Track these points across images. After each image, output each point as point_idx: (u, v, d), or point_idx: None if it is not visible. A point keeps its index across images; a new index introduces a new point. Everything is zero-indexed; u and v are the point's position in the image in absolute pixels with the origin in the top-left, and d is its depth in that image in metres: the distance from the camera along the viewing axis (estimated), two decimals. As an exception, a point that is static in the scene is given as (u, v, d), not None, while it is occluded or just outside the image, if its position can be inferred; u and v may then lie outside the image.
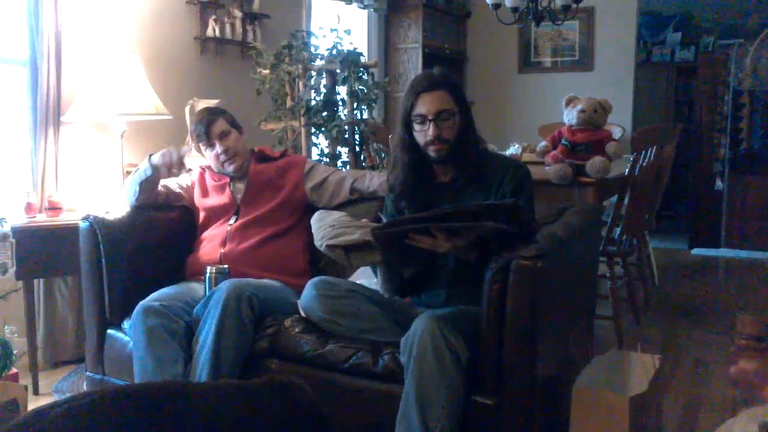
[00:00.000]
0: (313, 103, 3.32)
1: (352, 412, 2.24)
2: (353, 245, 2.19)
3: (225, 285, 2.37)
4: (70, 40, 3.46)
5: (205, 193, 2.89)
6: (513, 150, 3.96)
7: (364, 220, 2.40)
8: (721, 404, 2.88)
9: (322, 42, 3.43)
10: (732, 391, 2.29)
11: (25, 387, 2.54)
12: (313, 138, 3.40)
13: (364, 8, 5.91)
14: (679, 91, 8.16)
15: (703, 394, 3.04)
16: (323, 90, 3.37)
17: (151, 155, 2.71)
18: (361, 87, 3.27)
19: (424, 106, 2.28)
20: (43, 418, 1.29)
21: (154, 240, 2.80)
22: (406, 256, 2.30)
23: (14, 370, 2.72)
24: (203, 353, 2.29)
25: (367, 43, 6.26)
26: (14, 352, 2.69)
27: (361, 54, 3.33)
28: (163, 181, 2.93)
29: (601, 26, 6.50)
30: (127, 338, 2.56)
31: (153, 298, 2.46)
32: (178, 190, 2.93)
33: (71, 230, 2.69)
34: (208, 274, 2.49)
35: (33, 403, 2.75)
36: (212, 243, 2.77)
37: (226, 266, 2.54)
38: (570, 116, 3.59)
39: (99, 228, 2.66)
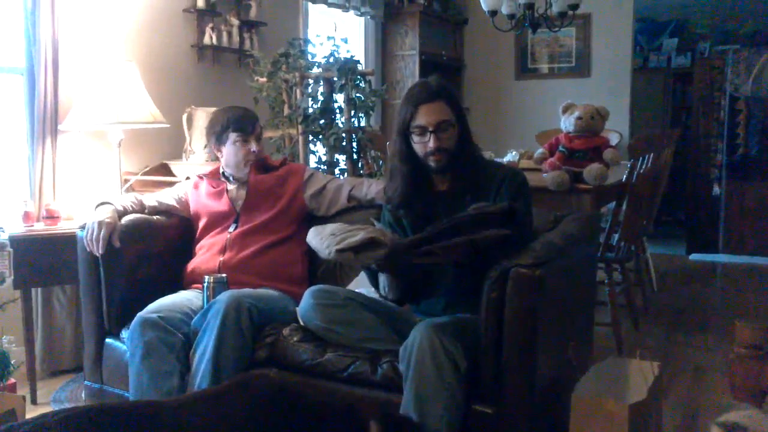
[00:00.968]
0: (310, 111, 3.32)
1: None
2: (360, 245, 2.19)
3: (224, 296, 2.36)
4: (67, 48, 3.46)
5: (201, 200, 2.89)
6: (510, 157, 3.96)
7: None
8: (720, 411, 2.87)
9: (319, 50, 3.43)
10: (731, 398, 2.29)
11: (23, 397, 2.53)
12: (311, 146, 3.40)
13: (360, 16, 5.92)
14: (676, 97, 8.18)
15: (702, 401, 3.04)
16: (320, 98, 3.37)
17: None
18: (358, 95, 3.27)
19: (424, 117, 2.28)
20: None
21: (152, 248, 2.79)
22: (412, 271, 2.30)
23: (12, 380, 2.72)
24: (202, 365, 2.29)
25: (364, 51, 6.27)
26: (12, 362, 2.69)
27: (358, 62, 3.33)
28: (156, 195, 2.93)
29: (598, 33, 6.52)
30: (125, 347, 2.54)
31: (151, 309, 2.45)
32: (172, 203, 2.92)
33: (69, 239, 2.68)
34: (206, 284, 2.49)
35: (31, 413, 2.74)
36: (211, 251, 2.76)
37: (224, 275, 2.53)
38: (567, 123, 3.59)
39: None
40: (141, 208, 2.86)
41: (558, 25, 4.87)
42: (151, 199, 2.91)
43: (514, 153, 4.02)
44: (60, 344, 3.48)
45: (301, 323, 2.46)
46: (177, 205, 2.92)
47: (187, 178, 3.33)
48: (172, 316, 2.43)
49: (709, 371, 3.39)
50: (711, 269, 5.93)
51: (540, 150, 3.76)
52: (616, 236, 3.73)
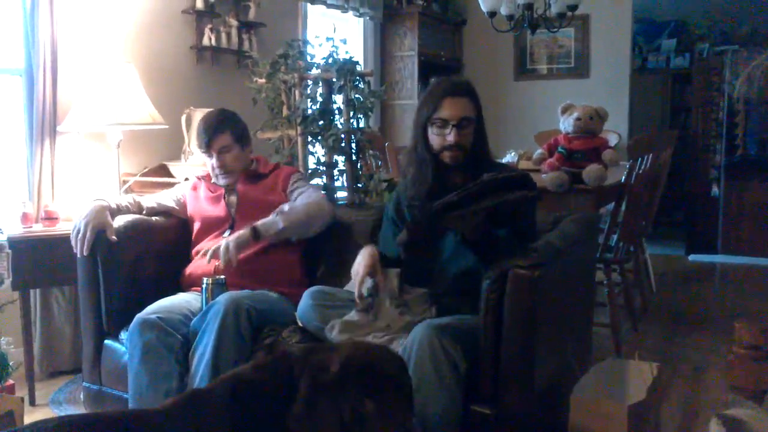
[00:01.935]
0: (309, 112, 3.31)
1: (350, 422, 2.23)
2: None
3: (223, 298, 2.36)
4: (66, 49, 3.46)
5: (199, 203, 2.89)
6: (509, 157, 3.96)
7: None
8: (720, 410, 2.87)
9: (318, 51, 3.43)
10: (730, 399, 2.29)
11: (22, 399, 2.53)
12: (310, 147, 3.39)
13: (359, 17, 5.92)
14: (675, 98, 8.18)
15: (702, 401, 3.04)
16: (319, 99, 3.36)
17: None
18: (357, 96, 3.26)
19: (448, 110, 2.30)
20: None
21: (151, 250, 2.80)
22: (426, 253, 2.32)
23: (10, 381, 2.72)
24: (201, 367, 2.28)
25: (363, 52, 6.27)
26: (11, 363, 2.69)
27: (357, 63, 3.32)
28: (155, 197, 2.93)
29: (597, 33, 6.52)
30: (124, 349, 2.54)
31: (150, 311, 2.45)
32: (170, 204, 2.92)
33: (68, 240, 2.67)
34: (204, 285, 2.49)
35: (29, 415, 2.74)
36: (206, 256, 2.76)
37: (222, 276, 2.53)
38: (566, 124, 3.60)
39: (96, 238, 2.65)
40: (139, 209, 2.86)
41: (557, 25, 4.88)
42: (150, 200, 2.92)
43: (513, 154, 4.02)
44: (59, 345, 3.47)
45: (300, 324, 2.46)
46: (176, 207, 2.92)
47: (186, 179, 3.32)
48: (171, 318, 2.43)
49: (708, 371, 3.39)
50: (710, 270, 5.93)
51: (539, 151, 3.76)
52: (615, 237, 3.73)
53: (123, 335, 2.56)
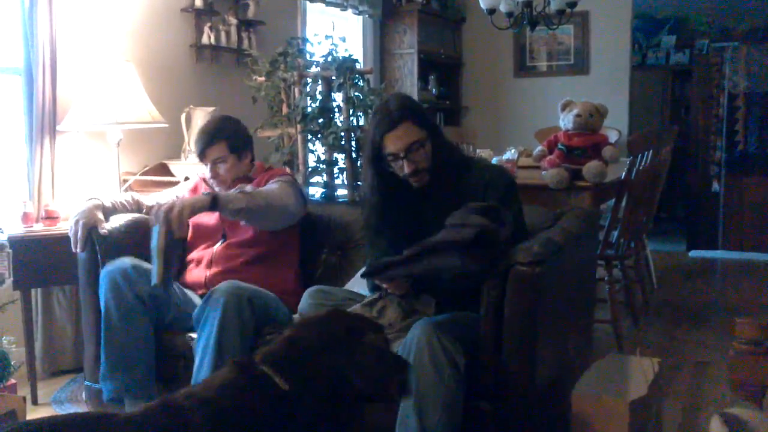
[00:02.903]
0: (309, 110, 3.32)
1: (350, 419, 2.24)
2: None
3: (223, 286, 2.36)
4: (65, 48, 3.46)
5: None
6: (509, 155, 3.95)
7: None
8: (721, 407, 2.88)
9: (317, 49, 3.43)
10: (732, 395, 2.29)
11: (24, 398, 2.53)
12: (310, 145, 3.39)
13: (359, 14, 5.91)
14: (675, 94, 8.18)
15: (703, 397, 3.04)
16: (319, 97, 3.36)
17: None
18: (356, 94, 3.26)
19: (393, 145, 2.25)
20: None
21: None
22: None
23: (12, 380, 2.72)
24: (207, 355, 2.28)
25: (362, 49, 6.27)
26: (12, 363, 2.69)
27: (356, 61, 3.32)
28: (155, 196, 2.93)
29: (596, 30, 6.51)
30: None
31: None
32: None
33: (68, 239, 2.68)
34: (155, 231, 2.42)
35: (32, 414, 2.74)
36: (199, 265, 2.77)
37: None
38: (566, 121, 3.59)
39: (96, 237, 2.66)
40: (138, 207, 2.86)
41: (556, 22, 4.87)
42: (151, 199, 2.92)
43: (513, 151, 4.01)
44: (60, 345, 3.47)
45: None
46: None
47: (186, 178, 3.33)
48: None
49: (710, 367, 3.39)
50: (710, 266, 5.93)
51: (539, 148, 3.76)
52: (616, 233, 3.73)
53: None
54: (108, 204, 2.75)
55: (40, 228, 3.21)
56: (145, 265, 2.50)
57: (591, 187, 3.45)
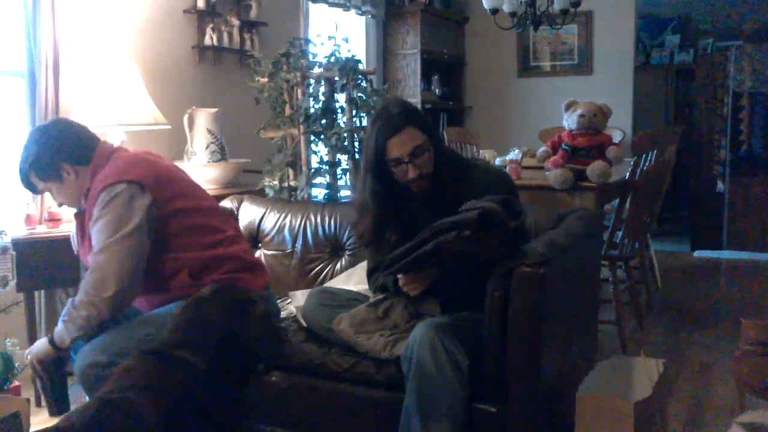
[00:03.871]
0: (311, 111, 3.31)
1: (354, 422, 2.23)
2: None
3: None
4: (67, 50, 3.45)
5: None
6: (513, 155, 3.95)
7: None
8: (726, 408, 2.87)
9: (320, 49, 3.43)
10: (737, 395, 2.28)
11: (27, 400, 2.52)
12: (313, 146, 3.39)
13: (361, 15, 5.91)
14: (679, 94, 8.15)
15: (708, 398, 3.03)
16: (322, 98, 3.36)
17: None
18: (359, 94, 3.26)
19: (397, 150, 2.20)
20: None
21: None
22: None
23: (16, 382, 2.71)
24: None
25: (365, 50, 6.26)
26: (16, 365, 2.68)
27: (359, 61, 3.32)
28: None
29: (600, 30, 6.50)
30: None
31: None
32: None
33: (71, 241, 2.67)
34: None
35: (35, 416, 2.74)
36: None
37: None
38: (570, 121, 3.59)
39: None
40: None
41: (560, 22, 4.86)
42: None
43: (516, 151, 4.01)
44: (64, 347, 3.46)
45: (304, 324, 2.46)
46: None
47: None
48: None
49: (715, 368, 3.38)
50: (715, 266, 5.91)
51: (543, 148, 3.75)
52: (620, 234, 3.72)
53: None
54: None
55: (43, 230, 3.21)
56: None
57: (595, 188, 3.44)
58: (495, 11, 4.70)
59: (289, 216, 3.05)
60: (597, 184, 3.41)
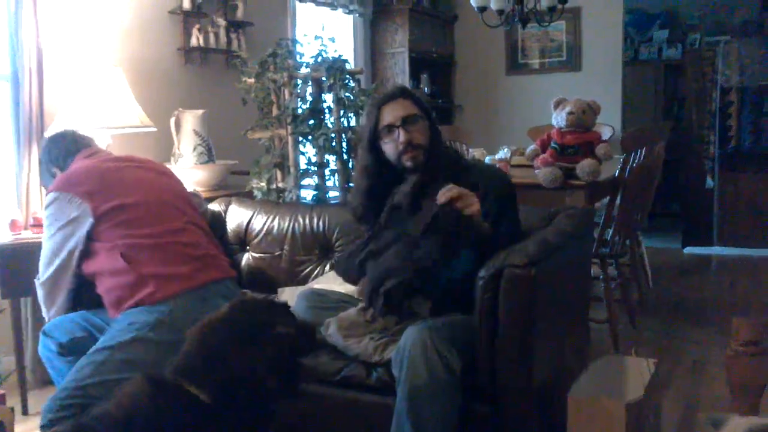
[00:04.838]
0: (299, 111, 3.29)
1: (345, 426, 2.21)
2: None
3: None
4: (51, 54, 3.42)
5: None
6: (502, 153, 3.93)
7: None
8: (719, 406, 2.86)
9: (307, 49, 3.40)
10: (729, 394, 2.27)
11: (12, 409, 2.49)
12: (301, 147, 3.37)
13: (349, 14, 5.88)
14: (668, 89, 8.17)
15: (701, 395, 3.02)
16: (309, 98, 3.34)
17: None
18: (347, 94, 3.24)
19: (389, 115, 2.28)
20: None
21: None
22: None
23: (1, 390, 2.67)
24: None
25: (353, 49, 6.24)
26: (1, 373, 2.66)
27: (346, 61, 3.30)
28: None
29: (588, 26, 6.49)
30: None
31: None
32: None
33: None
34: None
35: (21, 424, 2.71)
36: None
37: None
38: (559, 119, 3.57)
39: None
40: None
41: (548, 19, 4.85)
42: None
43: (506, 149, 4.00)
44: (51, 353, 3.43)
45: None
46: None
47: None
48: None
49: (707, 365, 3.37)
50: (706, 262, 5.92)
51: (531, 146, 3.73)
52: (611, 231, 3.71)
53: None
54: None
55: (28, 235, 3.17)
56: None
57: (585, 186, 3.43)
58: (483, 9, 4.68)
59: (277, 218, 3.03)
60: (587, 182, 3.40)
